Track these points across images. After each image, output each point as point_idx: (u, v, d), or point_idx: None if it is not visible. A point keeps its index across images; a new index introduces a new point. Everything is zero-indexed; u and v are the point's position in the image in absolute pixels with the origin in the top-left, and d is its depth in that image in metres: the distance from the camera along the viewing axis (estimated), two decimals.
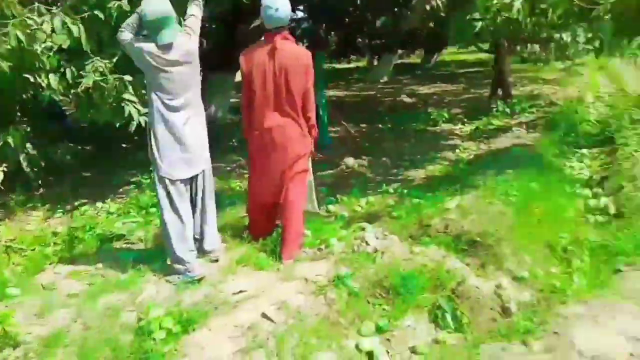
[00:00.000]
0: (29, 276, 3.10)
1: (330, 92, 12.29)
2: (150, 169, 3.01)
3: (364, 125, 8.67)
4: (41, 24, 3.65)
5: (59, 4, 4.03)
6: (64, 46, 3.79)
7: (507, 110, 8.66)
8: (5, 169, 3.82)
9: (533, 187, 4.18)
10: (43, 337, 2.28)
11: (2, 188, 3.89)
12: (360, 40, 13.32)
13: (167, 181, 2.79)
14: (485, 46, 10.13)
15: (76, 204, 4.69)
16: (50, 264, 3.31)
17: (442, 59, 19.65)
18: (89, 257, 3.40)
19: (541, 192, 4.16)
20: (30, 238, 3.71)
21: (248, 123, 3.22)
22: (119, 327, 2.30)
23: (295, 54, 3.10)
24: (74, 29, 3.74)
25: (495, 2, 4.41)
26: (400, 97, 11.37)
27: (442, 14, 6.30)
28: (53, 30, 3.72)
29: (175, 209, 2.82)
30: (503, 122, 8.12)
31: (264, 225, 3.36)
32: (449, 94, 11.81)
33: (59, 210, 4.57)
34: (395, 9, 8.79)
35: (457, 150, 6.68)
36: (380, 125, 8.52)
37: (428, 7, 5.86)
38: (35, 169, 4.54)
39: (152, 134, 2.82)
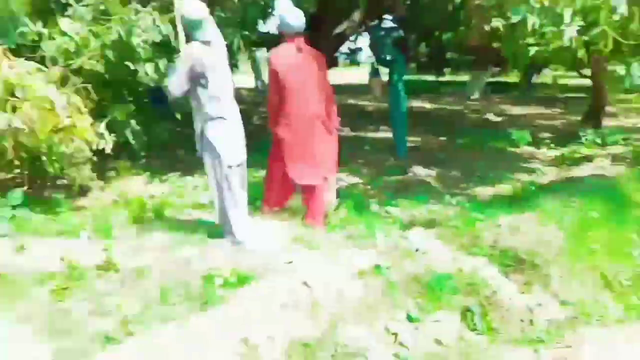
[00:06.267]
0: (129, 225, 3.82)
1: (416, 103, 12.46)
2: None
3: (443, 137, 8.81)
4: (137, 21, 4.37)
5: (152, 3, 4.73)
6: (157, 41, 4.49)
7: (598, 140, 8.33)
8: (114, 139, 4.56)
9: (593, 216, 4.17)
10: (135, 269, 2.89)
11: (112, 154, 4.65)
12: (450, 54, 13.36)
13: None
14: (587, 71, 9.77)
15: (170, 175, 5.43)
16: (146, 218, 4.03)
17: (543, 81, 18.87)
18: (174, 217, 4.09)
19: (603, 222, 4.14)
20: (132, 197, 4.45)
21: (277, 116, 3.80)
22: (190, 273, 2.84)
23: (315, 55, 3.82)
24: (164, 27, 4.44)
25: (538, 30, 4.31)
26: (487, 115, 11.29)
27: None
28: (147, 26, 4.44)
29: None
30: (591, 151, 7.83)
31: (281, 200, 4.07)
32: (541, 117, 11.47)
33: (156, 179, 5.34)
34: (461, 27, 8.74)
35: (535, 174, 6.59)
36: (459, 140, 8.60)
37: (487, 28, 5.59)
38: (140, 143, 5.32)
39: None
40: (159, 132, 5.63)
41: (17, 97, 3.66)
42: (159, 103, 5.87)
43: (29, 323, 2.47)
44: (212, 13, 3.39)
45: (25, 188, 4.03)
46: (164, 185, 5.17)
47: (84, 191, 4.62)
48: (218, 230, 3.54)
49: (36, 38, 4.33)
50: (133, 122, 5.03)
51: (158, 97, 5.85)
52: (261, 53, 12.61)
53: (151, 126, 5.52)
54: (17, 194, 3.87)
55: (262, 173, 4.94)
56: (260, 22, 6.65)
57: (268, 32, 8.30)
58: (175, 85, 3.16)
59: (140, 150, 5.37)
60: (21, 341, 2.34)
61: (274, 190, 4.01)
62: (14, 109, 3.62)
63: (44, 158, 4.01)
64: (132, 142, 5.14)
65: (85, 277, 2.89)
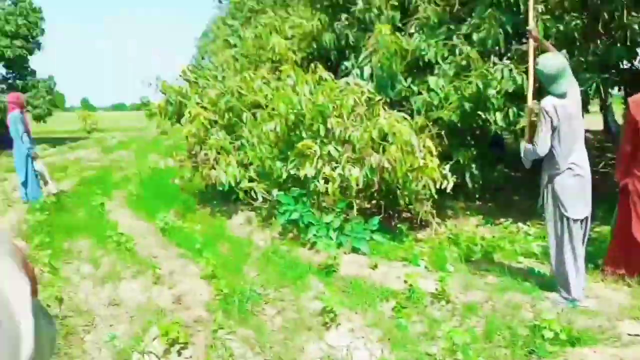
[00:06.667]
0: (461, 262, 4.17)
1: None
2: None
3: None
4: (494, 73, 4.66)
5: (508, 54, 4.97)
6: (509, 90, 4.69)
7: None
8: (454, 180, 5.02)
9: None
10: (465, 303, 3.18)
11: (451, 193, 5.13)
12: None
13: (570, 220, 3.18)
14: None
15: (502, 220, 5.56)
16: (476, 258, 4.32)
17: None
18: (504, 262, 4.21)
19: None
20: (464, 236, 4.81)
21: (628, 167, 3.38)
22: (517, 319, 2.91)
23: None
24: (518, 77, 4.58)
25: None
26: None
27: None
28: (502, 77, 4.71)
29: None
30: None
31: (630, 263, 3.51)
32: None
33: (488, 221, 5.56)
34: None
35: None
36: None
37: None
38: (476, 185, 5.68)
39: None
40: (495, 176, 5.85)
41: (386, 141, 4.56)
42: (496, 147, 6.14)
43: (375, 328, 3.05)
44: (569, 59, 3.39)
45: (380, 217, 4.90)
46: (495, 228, 5.33)
47: (423, 225, 5.25)
48: (550, 282, 3.47)
49: (407, 93, 5.31)
50: (473, 165, 5.43)
51: (496, 141, 6.14)
52: (614, 91, 11.17)
53: (487, 169, 5.80)
54: (374, 221, 4.75)
55: (605, 228, 4.51)
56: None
57: (631, 68, 7.39)
58: (543, 145, 3.19)
59: (475, 192, 5.71)
60: (369, 342, 2.92)
61: (620, 250, 3.59)
62: (384, 151, 4.51)
63: (397, 192, 4.80)
64: (469, 184, 5.54)
65: (421, 301, 3.34)
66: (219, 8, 15.11)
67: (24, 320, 0.56)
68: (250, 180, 5.34)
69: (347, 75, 5.77)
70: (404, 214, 5.49)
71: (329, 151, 4.52)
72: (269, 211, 5.35)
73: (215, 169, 5.46)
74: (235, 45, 7.60)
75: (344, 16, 6.10)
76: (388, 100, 5.22)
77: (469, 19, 5.31)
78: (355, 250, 4.45)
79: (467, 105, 4.90)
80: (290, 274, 3.96)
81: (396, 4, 5.75)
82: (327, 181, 4.55)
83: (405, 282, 3.54)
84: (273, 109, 5.04)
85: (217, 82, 6.31)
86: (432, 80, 5.10)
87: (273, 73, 5.71)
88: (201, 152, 5.64)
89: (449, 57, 5.27)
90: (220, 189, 5.51)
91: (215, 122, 5.80)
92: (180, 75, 6.73)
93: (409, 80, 5.37)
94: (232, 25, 9.72)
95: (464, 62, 5.02)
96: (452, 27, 5.39)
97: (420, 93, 5.22)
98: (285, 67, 5.15)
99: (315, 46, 6.50)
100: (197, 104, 5.88)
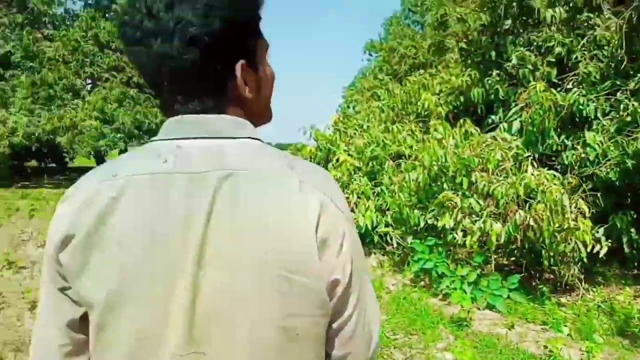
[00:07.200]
0: (613, 333, 3.84)
1: None
2: None
3: None
4: None
5: None
6: None
7: None
8: (609, 244, 4.62)
9: None
10: None
11: (604, 258, 4.73)
12: None
13: None
14: None
15: None
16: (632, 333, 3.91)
17: None
18: None
19: None
20: (618, 306, 4.39)
21: None
22: None
23: None
24: None
25: None
26: None
27: None
28: None
29: None
30: None
31: None
32: None
33: None
34: None
35: None
36: None
37: None
38: (634, 251, 5.14)
39: None
40: None
41: (533, 198, 4.43)
42: None
43: None
44: None
45: (520, 275, 4.69)
46: None
47: (567, 289, 4.90)
48: None
49: (558, 148, 5.11)
50: (632, 229, 4.96)
51: None
52: None
53: None
54: (514, 279, 4.58)
55: None
56: None
57: None
58: None
59: (634, 259, 5.18)
60: None
61: None
62: (529, 207, 4.39)
63: (542, 252, 4.58)
64: (627, 249, 5.06)
65: None
66: (369, 61, 16.03)
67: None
68: (387, 225, 5.54)
69: (493, 129, 5.75)
70: (547, 275, 5.19)
71: (470, 204, 4.54)
72: (401, 257, 5.47)
73: (354, 212, 5.78)
74: (382, 98, 8.04)
75: (495, 72, 6.14)
76: (537, 155, 5.08)
77: (638, 75, 4.99)
78: (490, 306, 4.34)
79: (629, 163, 4.55)
80: (420, 322, 4.01)
81: (553, 60, 5.64)
82: (465, 234, 4.55)
83: (545, 347, 3.38)
84: (416, 159, 5.24)
85: (364, 131, 6.74)
86: (589, 135, 4.83)
87: (417, 125, 5.94)
88: None
89: (610, 113, 4.99)
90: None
91: (359, 168, 6.17)
92: (332, 125, 7.36)
93: (562, 136, 5.17)
94: (382, 79, 10.27)
95: (628, 118, 4.71)
96: (617, 82, 5.12)
97: (574, 148, 4.99)
98: (435, 122, 5.36)
99: (462, 100, 6.59)
100: (345, 151, 6.33)
